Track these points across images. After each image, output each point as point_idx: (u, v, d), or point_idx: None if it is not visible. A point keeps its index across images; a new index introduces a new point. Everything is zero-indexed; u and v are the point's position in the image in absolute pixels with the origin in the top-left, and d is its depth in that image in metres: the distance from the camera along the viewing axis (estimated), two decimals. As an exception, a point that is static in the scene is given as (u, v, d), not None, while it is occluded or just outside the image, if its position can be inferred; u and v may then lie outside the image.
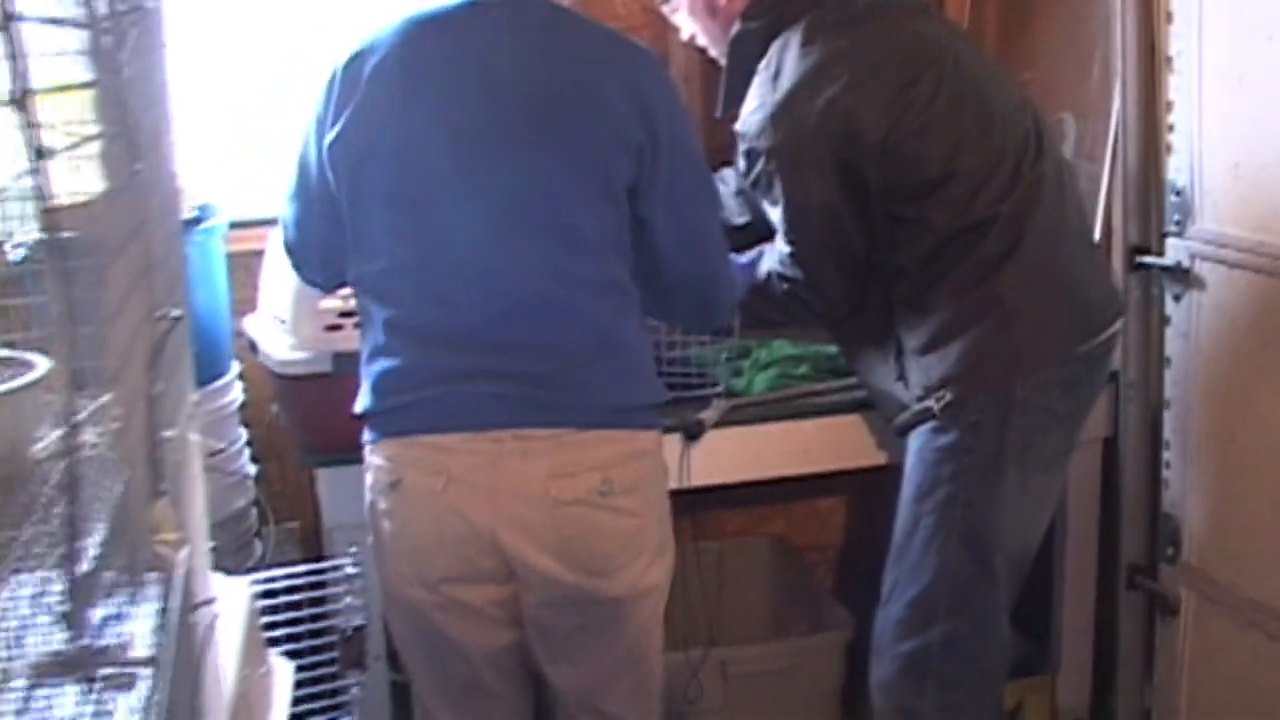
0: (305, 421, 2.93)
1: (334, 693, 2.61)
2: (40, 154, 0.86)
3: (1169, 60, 3.07)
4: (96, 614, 1.07)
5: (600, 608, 2.43)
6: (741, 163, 2.86)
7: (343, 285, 2.62)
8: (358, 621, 2.52)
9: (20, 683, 0.98)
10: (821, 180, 2.75)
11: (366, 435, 2.45)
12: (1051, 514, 2.96)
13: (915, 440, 2.82)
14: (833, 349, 3.21)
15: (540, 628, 2.47)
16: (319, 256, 2.54)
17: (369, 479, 2.44)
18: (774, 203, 2.83)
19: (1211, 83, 2.96)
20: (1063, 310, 2.81)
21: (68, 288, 0.92)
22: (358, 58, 2.36)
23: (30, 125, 0.85)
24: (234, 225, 3.30)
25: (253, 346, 3.02)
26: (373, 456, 2.43)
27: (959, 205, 2.73)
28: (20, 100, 0.84)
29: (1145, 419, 3.25)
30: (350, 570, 2.57)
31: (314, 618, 2.58)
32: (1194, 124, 3.02)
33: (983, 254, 2.73)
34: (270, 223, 3.10)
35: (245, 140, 3.55)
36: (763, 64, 2.83)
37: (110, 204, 1.07)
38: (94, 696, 1.02)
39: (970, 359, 2.73)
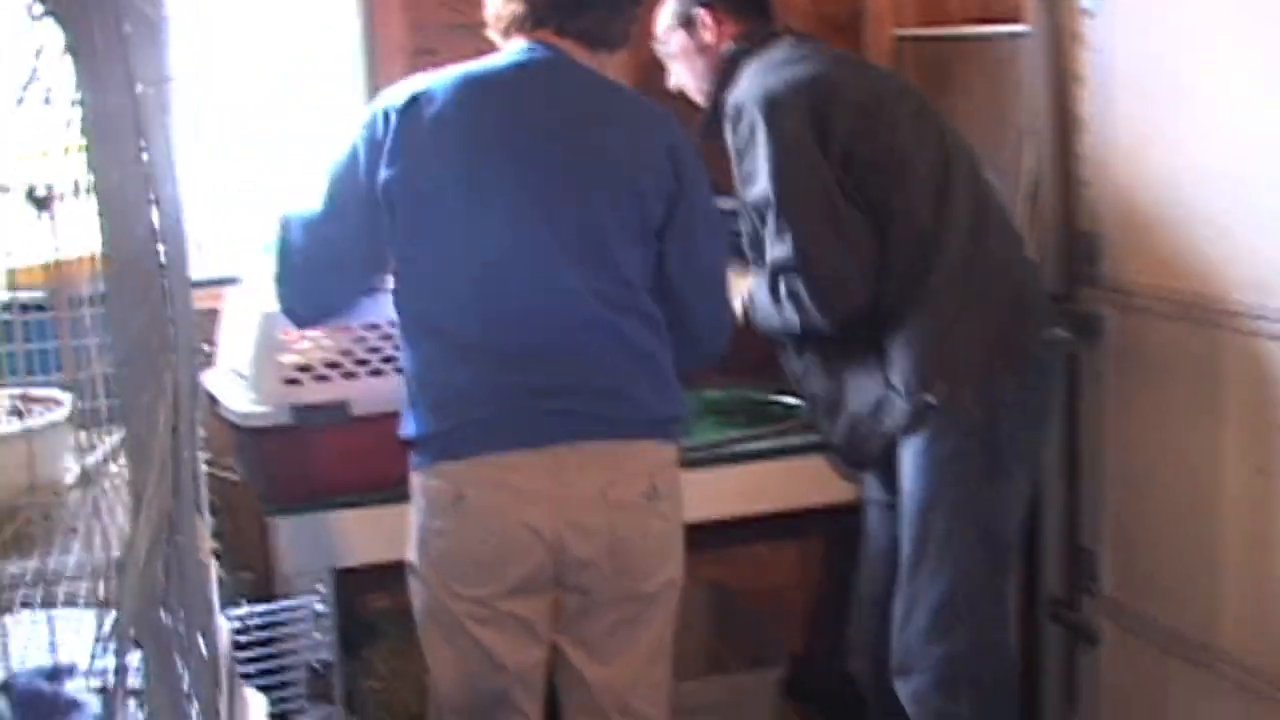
0: (265, 472, 3.02)
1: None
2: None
3: (1080, 121, 3.25)
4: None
5: (635, 603, 2.63)
6: (729, 133, 3.04)
7: (323, 322, 2.81)
8: (325, 657, 2.63)
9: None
10: (797, 121, 2.94)
11: (416, 459, 2.60)
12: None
13: (912, 457, 2.99)
14: (762, 396, 3.38)
15: (579, 630, 2.66)
16: (328, 287, 2.71)
17: (421, 501, 2.58)
18: (754, 173, 2.97)
19: (1120, 141, 3.14)
20: (1030, 300, 3.05)
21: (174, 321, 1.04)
22: (414, 103, 2.55)
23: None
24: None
25: (210, 400, 3.11)
26: (428, 479, 2.57)
27: (927, 190, 2.96)
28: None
29: (1061, 457, 3.39)
30: (318, 608, 2.68)
31: (279, 654, 2.68)
32: (1104, 180, 3.20)
33: (954, 251, 2.94)
34: (225, 282, 3.22)
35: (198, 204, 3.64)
36: (755, 62, 3.09)
37: (173, 253, 1.20)
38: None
39: (960, 350, 2.93)
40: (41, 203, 1.02)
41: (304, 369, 2.92)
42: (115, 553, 1.26)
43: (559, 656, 2.71)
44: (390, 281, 2.71)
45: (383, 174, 2.54)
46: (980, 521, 2.98)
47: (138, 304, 0.99)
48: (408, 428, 2.61)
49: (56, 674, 1.26)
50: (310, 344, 2.91)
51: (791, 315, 2.97)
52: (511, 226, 2.56)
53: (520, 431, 2.54)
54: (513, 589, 2.57)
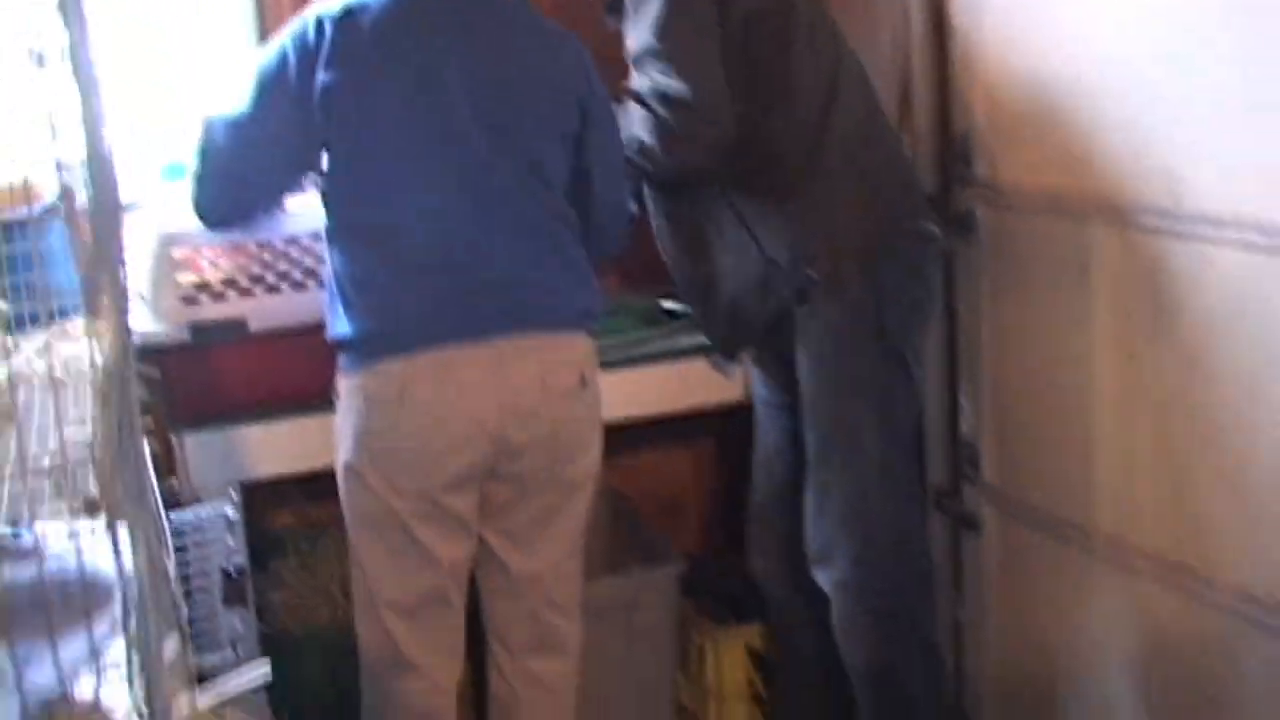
0: (169, 391, 3.08)
1: (208, 630, 2.78)
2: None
3: (953, 29, 3.35)
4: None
5: (561, 490, 2.78)
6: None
7: (235, 226, 2.88)
8: (239, 562, 2.69)
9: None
10: None
11: (351, 360, 2.68)
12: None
13: (806, 355, 3.09)
14: (648, 303, 3.47)
15: (504, 521, 2.80)
16: (247, 190, 2.78)
17: (358, 401, 2.65)
18: (646, 26, 2.97)
19: (989, 43, 3.24)
20: (909, 197, 3.19)
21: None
22: (350, 13, 2.65)
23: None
24: (86, 212, 3.42)
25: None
26: (368, 378, 2.64)
27: (820, 80, 3.06)
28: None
29: (941, 354, 3.51)
30: (231, 515, 2.74)
31: (194, 561, 2.74)
32: (976, 85, 3.30)
33: (842, 137, 3.05)
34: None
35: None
36: None
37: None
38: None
39: (844, 232, 3.04)
40: (41, 59, 1.10)
41: (201, 288, 2.97)
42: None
43: (482, 549, 2.82)
44: (316, 188, 2.80)
45: (320, 79, 2.62)
46: (881, 409, 3.09)
47: (108, 191, 1.08)
48: (340, 329, 2.68)
49: (16, 530, 1.36)
50: (207, 263, 2.97)
51: (645, 149, 2.98)
52: (451, 131, 2.67)
53: (461, 325, 2.64)
54: (452, 482, 2.67)
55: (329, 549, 3.61)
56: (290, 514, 3.75)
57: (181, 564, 2.70)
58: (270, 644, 3.14)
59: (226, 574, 2.68)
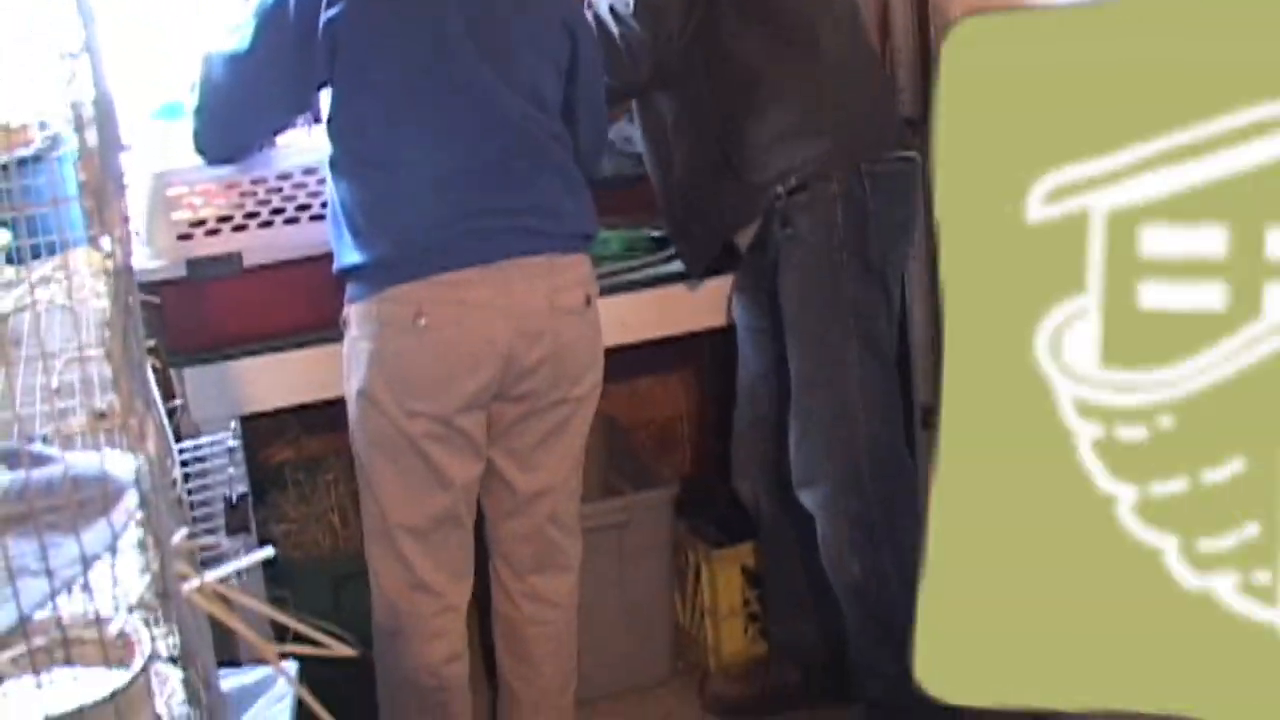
0: (165, 325, 3.13)
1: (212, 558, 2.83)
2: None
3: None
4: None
5: (566, 407, 2.85)
6: None
7: (233, 159, 2.94)
8: (241, 490, 2.75)
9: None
10: None
11: (362, 288, 2.73)
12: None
13: (788, 280, 3.15)
14: (635, 232, 3.51)
15: (510, 441, 2.87)
16: (245, 125, 2.87)
17: (372, 327, 2.71)
18: None
19: (964, -33, 3.29)
20: (889, 118, 3.25)
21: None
22: None
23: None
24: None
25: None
26: (382, 304, 2.70)
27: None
28: None
29: (926, 273, 3.55)
30: (231, 444, 2.80)
31: (196, 490, 2.79)
32: (954, 7, 3.35)
33: (825, 55, 3.11)
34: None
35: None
36: None
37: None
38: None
39: (820, 146, 3.09)
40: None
41: (196, 224, 3.02)
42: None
43: (488, 470, 2.89)
44: (308, 125, 2.86)
45: (325, 14, 2.67)
46: (864, 331, 3.13)
47: (110, 120, 1.14)
48: (350, 258, 2.73)
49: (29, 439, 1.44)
50: (201, 200, 3.01)
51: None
52: (453, 58, 2.72)
53: (473, 249, 2.70)
54: (465, 403, 2.73)
55: (327, 480, 3.68)
56: (288, 447, 3.81)
57: (184, 494, 2.75)
58: (274, 572, 3.20)
59: (228, 502, 2.73)
